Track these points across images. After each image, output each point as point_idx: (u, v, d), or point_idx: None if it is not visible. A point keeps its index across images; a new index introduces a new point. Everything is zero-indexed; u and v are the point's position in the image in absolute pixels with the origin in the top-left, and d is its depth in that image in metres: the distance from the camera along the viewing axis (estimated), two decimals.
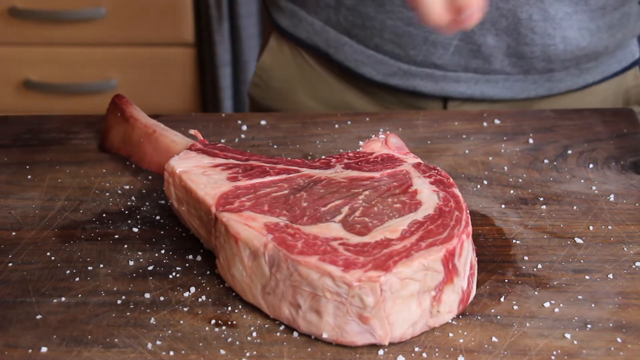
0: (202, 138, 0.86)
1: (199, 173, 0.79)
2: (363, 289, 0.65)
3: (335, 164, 0.80)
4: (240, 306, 0.73)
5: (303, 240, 0.69)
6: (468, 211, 0.73)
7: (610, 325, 0.70)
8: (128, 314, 0.72)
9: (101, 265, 0.78)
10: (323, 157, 0.83)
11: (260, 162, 0.81)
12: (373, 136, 0.86)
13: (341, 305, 0.67)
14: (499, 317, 0.71)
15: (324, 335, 0.68)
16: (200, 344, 0.69)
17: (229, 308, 0.73)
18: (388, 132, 0.85)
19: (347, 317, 0.67)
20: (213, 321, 0.71)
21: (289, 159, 0.82)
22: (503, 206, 0.86)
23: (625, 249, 0.79)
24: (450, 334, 0.69)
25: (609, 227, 0.82)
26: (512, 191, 0.89)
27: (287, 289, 0.69)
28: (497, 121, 1.03)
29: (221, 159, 0.82)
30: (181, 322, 0.71)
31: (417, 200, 0.74)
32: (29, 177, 0.93)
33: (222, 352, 0.68)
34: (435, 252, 0.68)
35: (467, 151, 0.96)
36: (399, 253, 0.67)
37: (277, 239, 0.69)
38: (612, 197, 0.87)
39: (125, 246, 0.81)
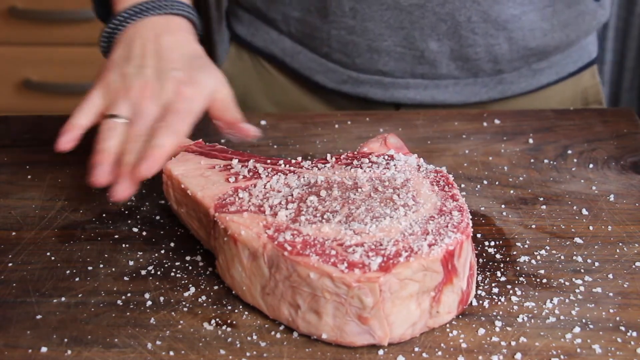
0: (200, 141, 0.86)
1: (196, 175, 0.79)
2: (362, 290, 0.65)
3: (334, 164, 0.80)
4: (240, 306, 0.73)
5: (302, 240, 0.69)
6: (468, 212, 0.73)
7: (610, 325, 0.70)
8: (128, 314, 0.72)
9: (101, 265, 0.78)
10: (322, 157, 0.83)
11: (259, 163, 0.80)
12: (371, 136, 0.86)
13: (340, 306, 0.67)
14: (499, 317, 0.71)
15: (324, 336, 0.68)
16: (200, 344, 0.69)
17: (229, 308, 0.73)
18: (386, 134, 0.85)
19: (347, 318, 0.67)
20: (213, 321, 0.71)
21: (288, 159, 0.81)
22: (503, 206, 0.86)
23: (625, 249, 0.79)
24: (450, 334, 0.69)
25: (609, 227, 0.82)
26: (512, 191, 0.89)
27: (287, 289, 0.69)
28: (497, 121, 1.03)
29: (219, 160, 0.82)
30: (181, 322, 0.71)
31: (417, 200, 0.74)
32: (29, 177, 0.93)
33: (222, 352, 0.68)
34: (434, 253, 0.67)
35: (467, 151, 0.96)
36: (398, 254, 0.67)
37: (276, 240, 0.69)
38: (612, 197, 0.87)
39: (125, 246, 0.81)
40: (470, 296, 0.72)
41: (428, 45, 1.06)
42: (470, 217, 0.73)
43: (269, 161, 0.81)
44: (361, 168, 0.79)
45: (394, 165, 0.79)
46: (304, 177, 0.78)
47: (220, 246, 0.74)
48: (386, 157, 0.81)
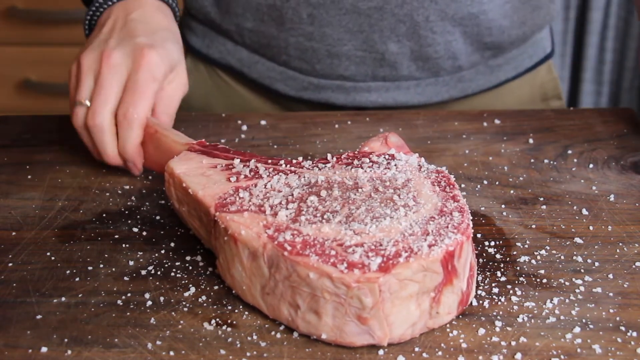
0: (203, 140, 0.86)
1: (198, 174, 0.79)
2: (362, 290, 0.65)
3: (335, 164, 0.80)
4: (240, 306, 0.73)
5: (302, 240, 0.69)
6: (469, 213, 0.73)
7: (610, 325, 0.70)
8: (128, 314, 0.72)
9: (101, 265, 0.78)
10: (323, 157, 0.83)
11: (260, 163, 0.80)
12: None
13: (340, 306, 0.66)
14: (499, 317, 0.71)
15: (323, 336, 0.68)
16: (200, 344, 0.69)
17: (229, 308, 0.73)
18: (387, 133, 0.85)
19: (346, 318, 0.67)
20: (213, 321, 0.71)
21: (289, 159, 0.81)
22: (503, 206, 0.86)
23: (625, 249, 0.79)
24: (450, 334, 0.69)
25: (609, 227, 0.82)
26: (512, 191, 0.89)
27: (286, 289, 0.69)
28: (497, 121, 1.03)
29: (221, 159, 0.82)
30: (181, 322, 0.71)
31: (417, 201, 0.74)
32: (29, 177, 0.93)
33: (222, 352, 0.68)
34: (434, 254, 0.67)
35: (467, 151, 0.96)
36: (398, 254, 0.67)
37: (276, 240, 0.69)
38: (612, 197, 0.87)
39: (125, 246, 0.81)
40: (470, 297, 0.72)
41: (388, 47, 1.05)
42: (471, 217, 0.73)
43: (270, 161, 0.81)
44: (362, 168, 0.79)
45: (395, 165, 0.79)
46: (304, 177, 0.78)
47: (220, 245, 0.74)
48: (387, 156, 0.80)
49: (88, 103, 0.87)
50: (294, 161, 0.81)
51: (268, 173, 0.79)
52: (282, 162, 0.81)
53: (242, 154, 0.83)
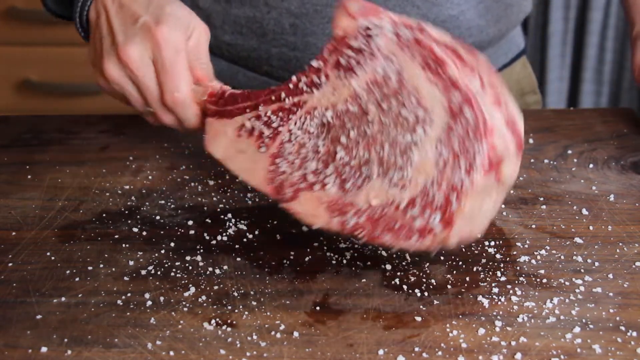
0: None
1: (235, 153, 0.81)
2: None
3: (327, 71, 0.77)
4: (240, 306, 0.73)
5: (366, 218, 0.73)
6: (476, 98, 0.69)
7: (610, 325, 0.70)
8: (128, 314, 0.72)
9: (101, 265, 0.78)
10: (310, 65, 0.79)
11: (268, 107, 0.80)
12: None
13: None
14: (499, 317, 0.71)
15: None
16: (200, 344, 0.69)
17: (229, 308, 0.73)
18: (344, 1, 0.78)
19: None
20: (213, 321, 0.71)
21: (288, 86, 0.79)
22: (503, 206, 0.86)
23: (625, 249, 0.79)
24: (450, 334, 0.69)
25: (609, 227, 0.82)
26: (512, 191, 0.89)
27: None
28: None
29: (239, 117, 0.81)
30: (181, 322, 0.71)
31: (424, 106, 0.71)
32: (29, 177, 0.93)
33: (222, 352, 0.68)
34: (477, 181, 0.69)
35: None
36: (448, 201, 0.70)
37: (346, 228, 0.74)
38: (612, 197, 0.87)
39: (125, 246, 0.81)
40: (521, 133, 0.72)
41: None
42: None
43: (273, 98, 0.80)
44: (351, 71, 0.75)
45: (377, 47, 0.74)
46: (315, 116, 0.77)
47: None
48: (363, 34, 0.76)
49: (150, 108, 0.84)
50: (290, 86, 0.78)
51: (282, 122, 0.79)
52: (282, 94, 0.79)
53: (248, 96, 0.81)
